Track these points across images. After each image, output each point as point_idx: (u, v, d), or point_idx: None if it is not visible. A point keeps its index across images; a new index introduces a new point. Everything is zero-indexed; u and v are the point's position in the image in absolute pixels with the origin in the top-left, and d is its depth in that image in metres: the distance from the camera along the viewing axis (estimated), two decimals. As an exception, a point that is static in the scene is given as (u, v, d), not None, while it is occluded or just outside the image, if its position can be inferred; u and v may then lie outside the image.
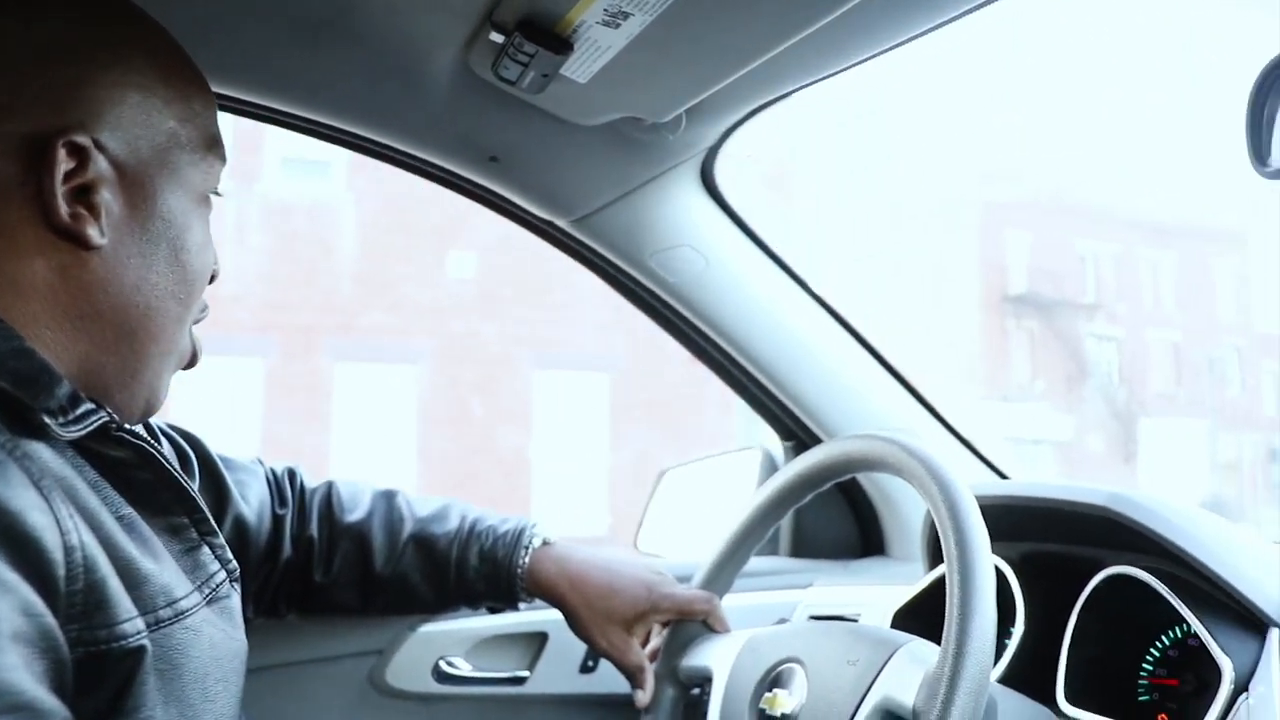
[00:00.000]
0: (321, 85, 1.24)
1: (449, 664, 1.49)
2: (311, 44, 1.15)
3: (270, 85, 1.24)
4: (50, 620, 0.71)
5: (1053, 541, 1.25)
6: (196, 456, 1.12)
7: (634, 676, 1.28)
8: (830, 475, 1.18)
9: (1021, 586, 1.26)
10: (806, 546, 1.74)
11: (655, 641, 1.30)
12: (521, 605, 1.30)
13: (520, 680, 1.49)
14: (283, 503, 1.27)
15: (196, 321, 0.93)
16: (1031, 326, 26.59)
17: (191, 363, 0.93)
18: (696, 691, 1.26)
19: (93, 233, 0.83)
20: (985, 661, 0.88)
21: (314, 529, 1.27)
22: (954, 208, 25.39)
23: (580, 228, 1.51)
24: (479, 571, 1.28)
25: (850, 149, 25.90)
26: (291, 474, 1.31)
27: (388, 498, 1.32)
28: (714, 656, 1.22)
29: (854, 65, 1.15)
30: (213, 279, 0.94)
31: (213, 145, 0.92)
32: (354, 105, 1.28)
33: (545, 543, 1.29)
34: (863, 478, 1.70)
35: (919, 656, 1.00)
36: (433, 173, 1.42)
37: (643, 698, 1.27)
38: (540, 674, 1.50)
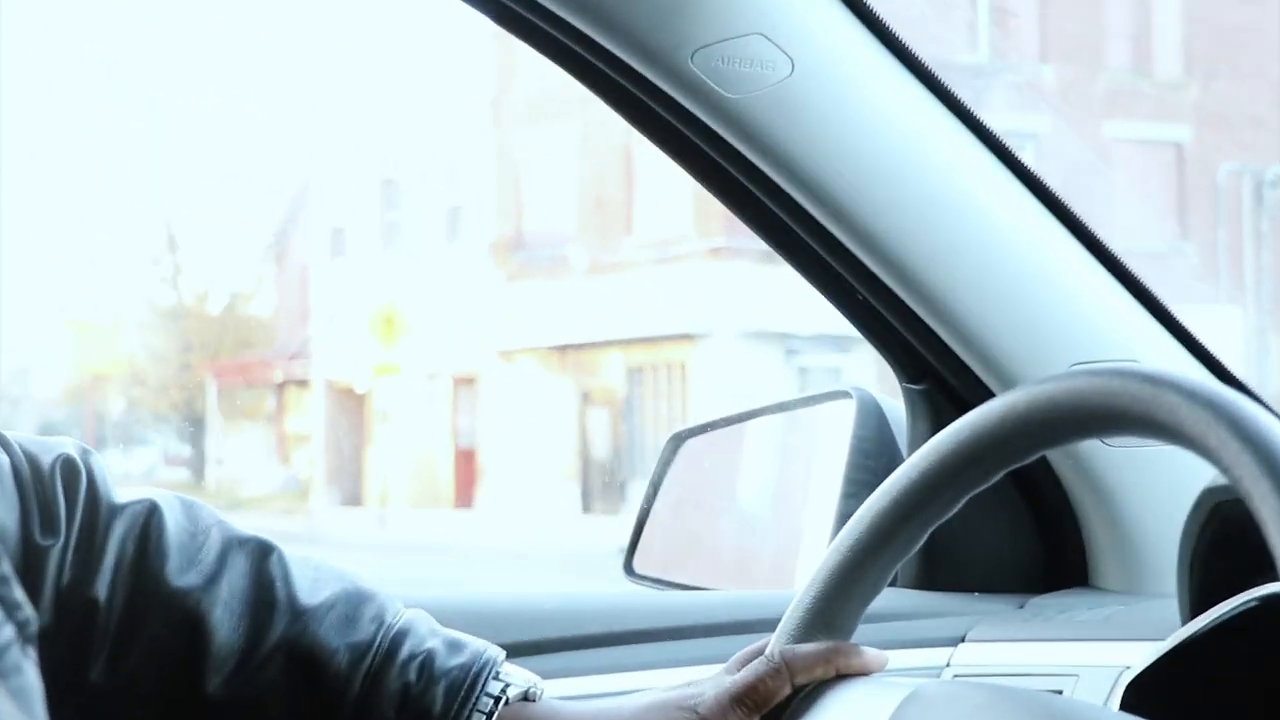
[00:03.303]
0: None
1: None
2: None
3: None
4: None
5: None
6: None
7: None
8: (1046, 439, 1.12)
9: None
10: (950, 571, 1.74)
11: None
12: None
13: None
14: (49, 526, 1.21)
15: None
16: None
17: None
18: None
19: None
20: None
21: (104, 585, 1.22)
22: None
23: (571, 7, 1.48)
24: None
25: None
26: (70, 468, 1.24)
27: (255, 555, 1.27)
28: None
29: None
30: None
31: None
32: None
33: (526, 697, 1.28)
34: (1058, 452, 1.66)
35: None
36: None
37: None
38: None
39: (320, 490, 29.05)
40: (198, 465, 30.47)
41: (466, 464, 27.34)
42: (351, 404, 28.98)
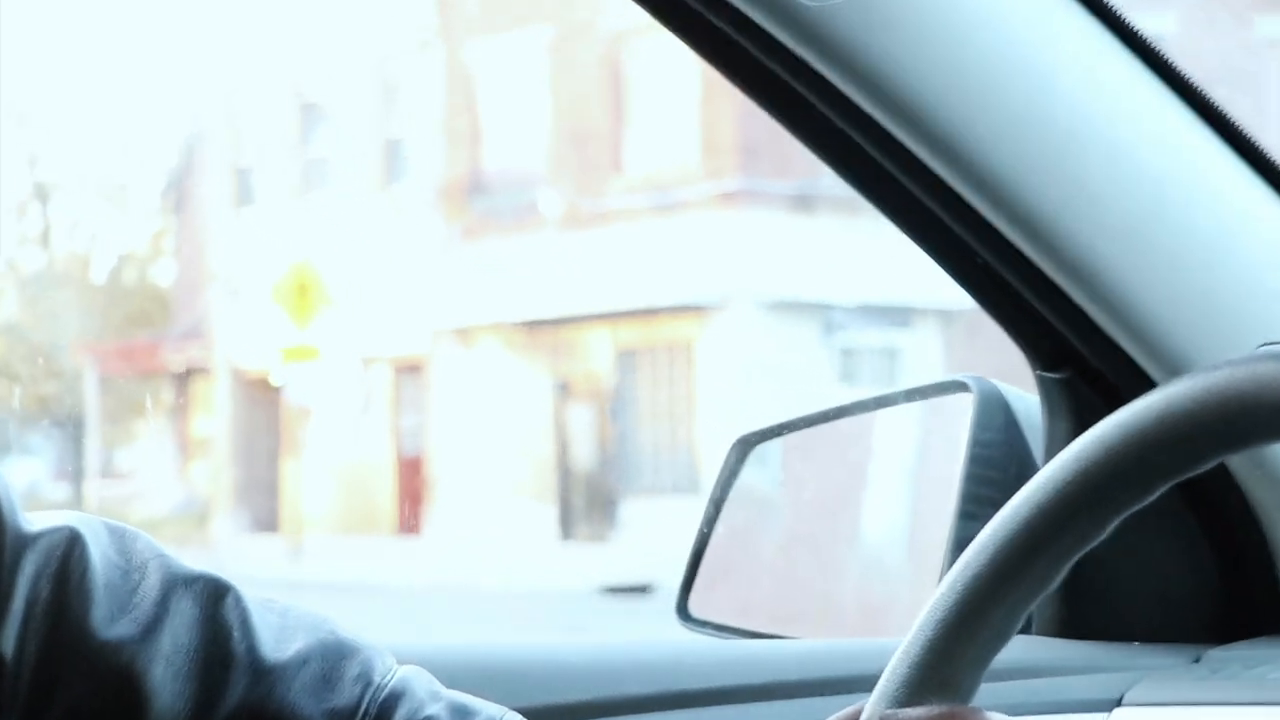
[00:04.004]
0: None
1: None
2: None
3: None
4: None
5: None
6: None
7: None
8: (1224, 441, 1.08)
9: None
10: (1101, 614, 1.77)
11: None
12: None
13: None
14: None
15: None
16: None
17: None
18: None
19: None
20: None
21: (11, 636, 1.24)
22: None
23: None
24: None
25: None
26: None
27: (206, 598, 1.30)
28: None
29: None
30: None
31: None
32: None
33: None
34: (1242, 460, 1.66)
35: None
36: None
37: None
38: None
39: (225, 512, 28.68)
40: (75, 478, 29.43)
41: (411, 476, 27.20)
42: (266, 400, 28.55)
